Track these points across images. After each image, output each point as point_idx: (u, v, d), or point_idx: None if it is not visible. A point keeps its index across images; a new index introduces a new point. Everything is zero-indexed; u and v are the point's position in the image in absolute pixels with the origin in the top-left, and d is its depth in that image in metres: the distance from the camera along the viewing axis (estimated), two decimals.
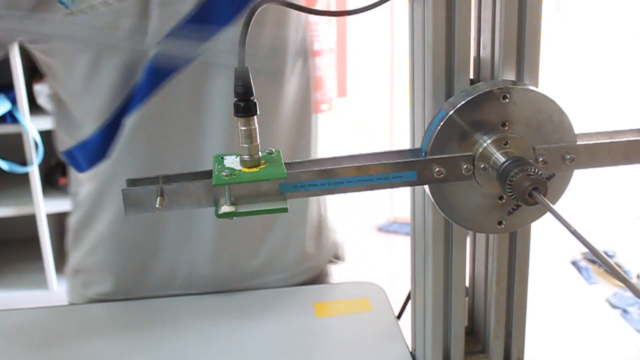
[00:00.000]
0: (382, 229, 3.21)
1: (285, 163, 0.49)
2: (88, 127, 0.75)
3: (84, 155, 0.78)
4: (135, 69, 0.71)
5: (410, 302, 0.64)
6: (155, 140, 0.75)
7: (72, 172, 0.84)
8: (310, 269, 0.87)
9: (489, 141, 0.49)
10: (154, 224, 0.79)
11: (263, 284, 0.83)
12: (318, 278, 0.89)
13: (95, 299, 0.83)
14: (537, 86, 0.51)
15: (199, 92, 0.73)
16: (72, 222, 0.84)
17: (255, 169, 0.48)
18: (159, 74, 0.71)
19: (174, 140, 0.75)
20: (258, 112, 0.48)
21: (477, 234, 0.60)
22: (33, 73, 2.08)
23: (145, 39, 0.70)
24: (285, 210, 0.48)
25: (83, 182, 0.82)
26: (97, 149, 0.76)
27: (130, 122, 0.73)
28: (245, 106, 0.47)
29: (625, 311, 2.42)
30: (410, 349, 0.66)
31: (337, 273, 0.92)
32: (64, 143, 0.81)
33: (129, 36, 0.70)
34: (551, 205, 0.46)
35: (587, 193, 2.67)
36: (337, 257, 0.92)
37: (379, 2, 0.52)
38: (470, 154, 0.50)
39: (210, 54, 0.72)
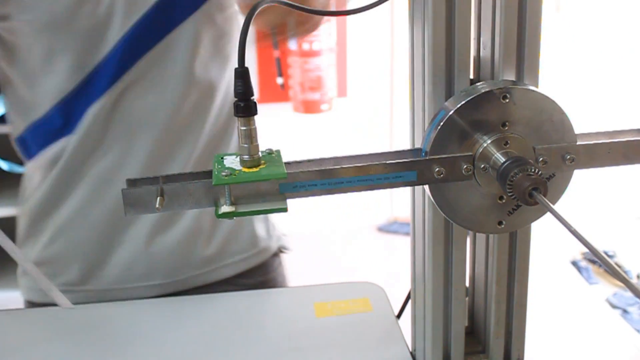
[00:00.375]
0: (382, 229, 3.21)
1: (285, 163, 0.49)
2: (42, 107, 0.76)
3: (35, 137, 0.79)
4: (93, 53, 0.73)
5: (410, 302, 0.64)
6: (117, 129, 0.77)
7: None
8: (262, 251, 0.90)
9: (489, 141, 0.49)
10: (114, 210, 0.80)
11: (219, 268, 0.86)
12: (271, 265, 0.93)
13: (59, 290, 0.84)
14: (537, 86, 0.51)
15: (162, 82, 0.76)
16: (28, 214, 0.85)
17: (255, 169, 0.48)
18: (122, 63, 0.73)
19: (137, 129, 0.77)
20: (258, 112, 0.48)
21: (477, 234, 0.60)
22: None
23: (106, 26, 0.72)
24: (285, 210, 0.48)
25: (32, 174, 0.82)
26: (49, 129, 0.77)
27: (92, 111, 0.75)
28: (245, 106, 0.47)
29: (625, 311, 2.42)
30: (410, 349, 0.66)
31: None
32: (17, 128, 0.82)
33: (89, 22, 0.72)
34: (551, 205, 0.46)
35: (587, 193, 2.68)
36: (284, 248, 0.96)
37: (379, 2, 0.52)
38: (470, 154, 0.50)
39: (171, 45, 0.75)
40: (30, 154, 0.81)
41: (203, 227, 0.84)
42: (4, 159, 2.01)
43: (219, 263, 0.86)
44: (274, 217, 0.95)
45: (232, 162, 0.49)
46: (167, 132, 0.78)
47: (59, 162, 0.78)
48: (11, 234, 0.76)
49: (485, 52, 0.52)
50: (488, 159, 0.50)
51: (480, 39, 0.53)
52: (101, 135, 0.77)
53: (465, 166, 0.49)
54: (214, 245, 0.85)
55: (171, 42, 0.75)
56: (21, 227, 0.86)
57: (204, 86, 0.79)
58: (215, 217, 0.83)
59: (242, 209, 0.48)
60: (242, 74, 0.47)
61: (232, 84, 0.82)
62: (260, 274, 0.91)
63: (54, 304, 0.83)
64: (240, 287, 0.87)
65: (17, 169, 2.02)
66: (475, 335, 0.64)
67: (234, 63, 0.80)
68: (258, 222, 0.90)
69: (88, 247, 0.82)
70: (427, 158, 0.49)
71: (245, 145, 0.48)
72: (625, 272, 2.63)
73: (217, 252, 0.86)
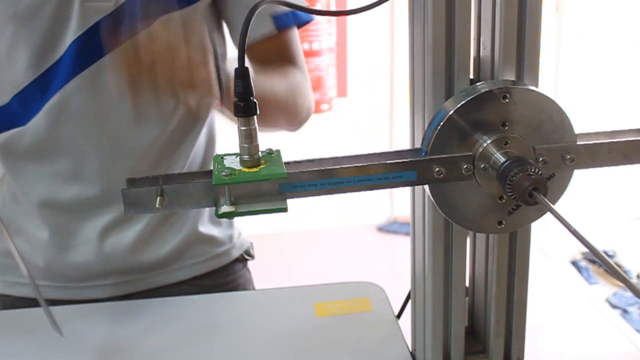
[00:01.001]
0: (382, 229, 3.21)
1: (285, 163, 0.49)
2: (4, 95, 0.78)
3: None
4: (50, 52, 0.75)
5: (410, 302, 0.64)
6: (70, 130, 0.77)
7: None
8: (220, 255, 0.91)
9: (489, 141, 0.49)
10: (69, 211, 0.81)
11: (174, 270, 0.87)
12: (232, 268, 0.93)
13: (21, 283, 0.85)
14: (537, 86, 0.51)
15: (114, 87, 0.76)
16: None
17: (255, 169, 0.48)
18: (79, 61, 0.75)
19: (90, 131, 0.78)
20: (258, 112, 0.48)
21: (477, 234, 0.60)
22: None
23: (64, 28, 0.74)
24: (285, 210, 0.48)
25: None
26: (7, 117, 0.78)
27: (46, 107, 0.76)
28: (245, 106, 0.47)
29: (625, 311, 2.42)
30: (410, 349, 0.66)
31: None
32: None
33: (49, 21, 0.73)
34: (551, 205, 0.46)
35: (587, 193, 2.68)
36: (248, 255, 0.97)
37: (379, 2, 0.52)
38: (470, 154, 0.50)
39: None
40: None
41: (156, 230, 0.85)
42: None
43: (173, 265, 0.87)
44: (238, 222, 0.95)
45: (232, 162, 0.49)
46: (120, 136, 0.79)
47: (12, 153, 0.79)
48: None
49: (485, 52, 0.52)
50: (488, 158, 0.50)
51: (480, 39, 0.53)
52: (54, 133, 0.78)
53: (465, 166, 0.49)
54: (169, 248, 0.86)
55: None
56: None
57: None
58: (169, 221, 0.85)
59: (242, 209, 0.47)
60: (242, 74, 0.47)
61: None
62: (220, 276, 0.91)
63: (17, 296, 0.84)
64: (198, 288, 0.88)
65: None
66: (475, 335, 0.64)
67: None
68: (219, 227, 0.91)
69: (44, 244, 0.83)
70: (427, 158, 0.49)
71: (245, 145, 0.48)
72: (625, 272, 2.63)
73: (172, 255, 0.87)
